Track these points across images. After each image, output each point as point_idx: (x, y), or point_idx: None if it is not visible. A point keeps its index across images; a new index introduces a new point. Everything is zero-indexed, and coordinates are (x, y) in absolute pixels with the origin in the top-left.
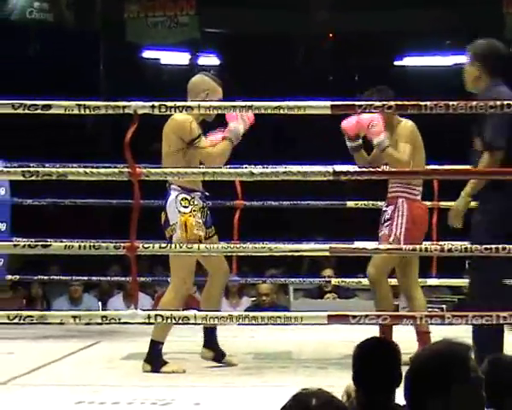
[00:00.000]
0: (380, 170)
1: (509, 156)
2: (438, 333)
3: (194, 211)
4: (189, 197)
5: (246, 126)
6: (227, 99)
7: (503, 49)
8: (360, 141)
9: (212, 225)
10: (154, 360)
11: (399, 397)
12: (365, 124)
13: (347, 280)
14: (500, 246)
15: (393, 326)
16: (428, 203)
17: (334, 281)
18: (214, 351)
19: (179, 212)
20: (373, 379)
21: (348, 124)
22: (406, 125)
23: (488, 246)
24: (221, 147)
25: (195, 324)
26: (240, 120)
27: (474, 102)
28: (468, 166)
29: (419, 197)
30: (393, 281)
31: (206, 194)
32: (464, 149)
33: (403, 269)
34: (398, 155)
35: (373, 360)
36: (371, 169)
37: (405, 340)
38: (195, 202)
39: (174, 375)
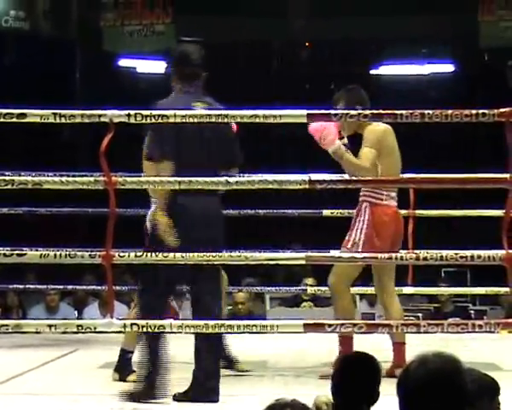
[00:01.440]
0: (355, 179)
1: (179, 166)
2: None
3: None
4: None
5: None
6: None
7: (194, 55)
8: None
9: None
10: (123, 368)
11: None
12: (317, 137)
13: (323, 289)
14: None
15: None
16: (404, 212)
17: (310, 290)
18: (225, 360)
19: None
20: (352, 394)
21: (314, 128)
22: (374, 129)
23: (463, 254)
24: None
25: (171, 332)
26: None
27: (450, 111)
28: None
29: (387, 202)
30: (370, 290)
31: None
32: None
33: (378, 278)
34: (356, 162)
35: (354, 375)
36: (347, 178)
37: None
38: None
39: None
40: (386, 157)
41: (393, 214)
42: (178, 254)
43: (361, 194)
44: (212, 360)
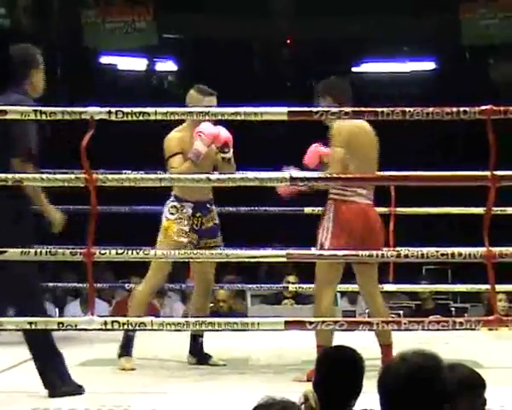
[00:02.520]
0: (336, 176)
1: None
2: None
3: (180, 219)
4: (178, 205)
5: (205, 143)
6: (185, 105)
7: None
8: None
9: (214, 236)
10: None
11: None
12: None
13: (304, 286)
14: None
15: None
16: (385, 209)
17: (291, 287)
18: (197, 356)
19: (166, 218)
20: (334, 387)
21: (309, 159)
22: (339, 126)
23: (444, 251)
24: (184, 168)
25: (152, 330)
26: (198, 139)
27: (431, 109)
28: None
29: (352, 199)
30: (350, 287)
31: (208, 205)
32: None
33: (359, 278)
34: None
35: (335, 369)
36: (328, 175)
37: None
38: (184, 211)
39: (131, 381)
40: (356, 155)
41: (359, 211)
42: (159, 252)
43: (329, 192)
44: (42, 357)
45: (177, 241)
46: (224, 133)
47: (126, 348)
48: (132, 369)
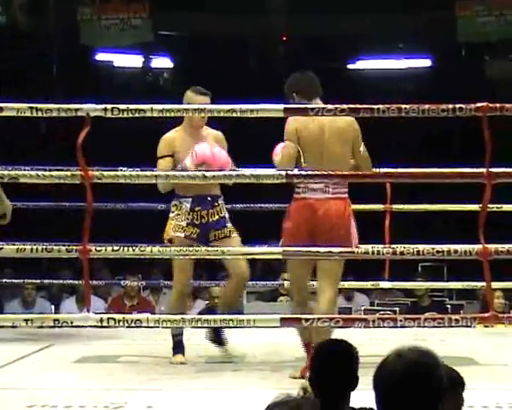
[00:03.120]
0: (332, 173)
1: None
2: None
3: (178, 215)
4: (177, 202)
5: (193, 163)
6: (180, 102)
7: None
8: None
9: (221, 227)
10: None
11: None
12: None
13: None
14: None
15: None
16: (381, 206)
17: (287, 284)
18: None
19: (169, 217)
20: (330, 381)
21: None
22: (289, 121)
23: (440, 248)
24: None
25: (148, 327)
26: (189, 157)
27: (427, 106)
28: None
29: (304, 195)
30: (346, 284)
31: (210, 199)
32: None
33: (317, 270)
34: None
35: (331, 362)
36: (324, 172)
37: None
38: (182, 207)
39: (126, 378)
40: (307, 149)
41: (305, 207)
42: (155, 249)
43: None
44: None
45: (173, 236)
46: (220, 159)
47: (178, 349)
48: (182, 363)
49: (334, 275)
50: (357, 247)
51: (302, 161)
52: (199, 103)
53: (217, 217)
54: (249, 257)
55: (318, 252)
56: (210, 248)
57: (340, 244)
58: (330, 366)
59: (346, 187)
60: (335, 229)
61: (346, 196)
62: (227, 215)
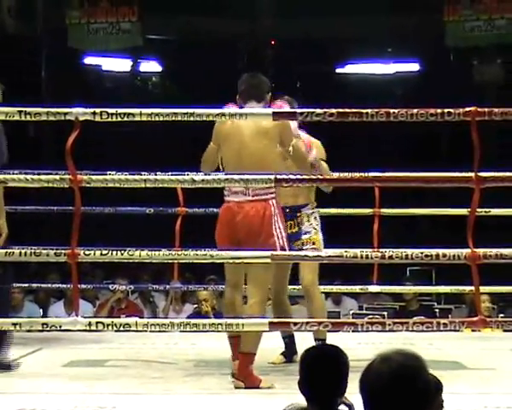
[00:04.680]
0: (321, 177)
1: None
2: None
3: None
4: None
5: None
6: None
7: None
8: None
9: (297, 240)
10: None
11: None
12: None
13: (290, 287)
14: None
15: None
16: (370, 210)
17: None
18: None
19: None
20: (320, 386)
21: None
22: (216, 125)
23: (428, 252)
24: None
25: (136, 331)
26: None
27: (415, 110)
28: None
29: (228, 198)
30: (335, 288)
31: (287, 209)
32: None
33: (247, 279)
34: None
35: (320, 368)
36: (312, 177)
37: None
38: None
39: (115, 382)
40: (225, 150)
41: (224, 210)
42: (144, 253)
43: None
44: None
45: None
46: None
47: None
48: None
49: (259, 281)
50: (282, 248)
51: (220, 161)
52: None
53: (296, 229)
54: (238, 262)
55: (307, 256)
56: (199, 252)
57: (263, 249)
58: (319, 371)
59: (268, 188)
60: (255, 234)
61: (268, 196)
62: (310, 225)
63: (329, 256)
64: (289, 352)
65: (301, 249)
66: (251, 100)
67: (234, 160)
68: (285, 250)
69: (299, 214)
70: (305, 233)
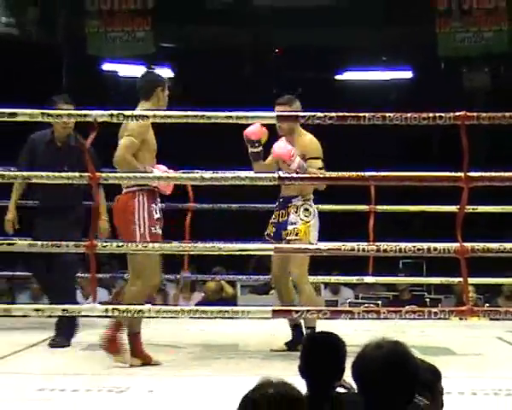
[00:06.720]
0: (321, 176)
1: None
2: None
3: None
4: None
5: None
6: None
7: None
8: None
9: (284, 229)
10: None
11: None
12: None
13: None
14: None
15: None
16: (366, 207)
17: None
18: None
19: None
20: (319, 372)
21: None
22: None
23: (420, 246)
24: None
25: (149, 317)
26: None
27: (409, 114)
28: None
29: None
30: (333, 278)
31: (281, 199)
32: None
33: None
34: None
35: (320, 353)
36: (313, 175)
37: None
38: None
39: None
40: (146, 148)
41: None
42: (157, 245)
43: None
44: None
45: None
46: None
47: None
48: None
49: (136, 268)
50: (143, 236)
51: (139, 153)
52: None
53: (285, 218)
54: (243, 253)
55: (307, 249)
56: (207, 245)
57: (125, 239)
58: (320, 358)
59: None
60: (120, 221)
61: (136, 188)
62: (298, 216)
63: (328, 249)
64: (293, 343)
65: (285, 239)
66: (141, 100)
67: (148, 155)
68: (145, 239)
69: (289, 205)
70: (291, 224)
